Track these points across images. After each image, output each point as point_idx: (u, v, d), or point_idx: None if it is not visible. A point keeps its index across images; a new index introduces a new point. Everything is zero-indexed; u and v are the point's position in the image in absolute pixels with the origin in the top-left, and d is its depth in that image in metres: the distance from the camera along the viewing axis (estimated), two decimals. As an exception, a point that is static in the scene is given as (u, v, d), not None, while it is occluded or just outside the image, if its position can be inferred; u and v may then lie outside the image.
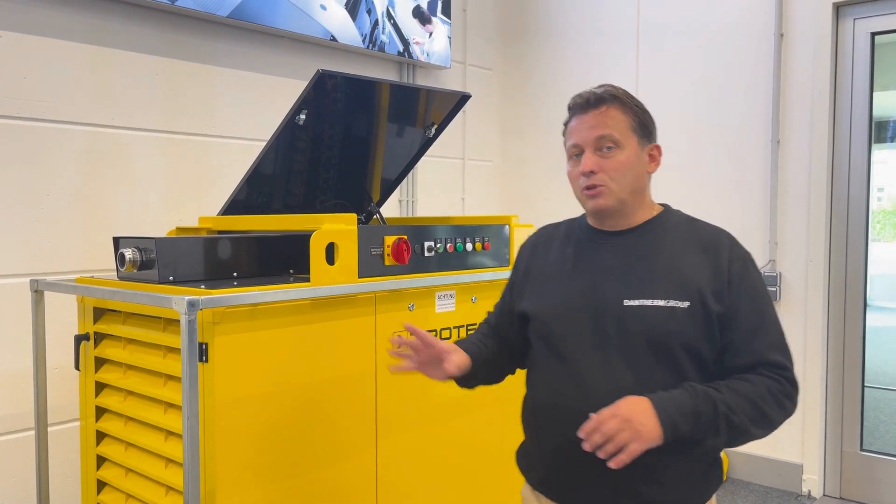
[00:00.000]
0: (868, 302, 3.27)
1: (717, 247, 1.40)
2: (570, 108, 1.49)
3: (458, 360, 1.49)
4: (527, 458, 1.58)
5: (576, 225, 1.57)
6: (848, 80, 3.23)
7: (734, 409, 1.29)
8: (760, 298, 1.38)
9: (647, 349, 1.35)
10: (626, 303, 1.37)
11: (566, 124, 1.50)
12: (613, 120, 1.41)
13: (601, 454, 1.24)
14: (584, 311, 1.42)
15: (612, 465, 1.23)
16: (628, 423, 1.23)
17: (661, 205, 1.52)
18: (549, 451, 1.47)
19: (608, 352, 1.37)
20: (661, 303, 1.35)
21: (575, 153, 1.46)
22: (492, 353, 1.60)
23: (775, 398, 1.32)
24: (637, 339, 1.35)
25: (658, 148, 1.48)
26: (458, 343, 1.55)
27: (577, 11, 4.05)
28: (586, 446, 1.25)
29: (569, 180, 1.49)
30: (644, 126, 1.44)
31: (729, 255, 1.38)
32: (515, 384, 2.54)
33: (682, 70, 3.65)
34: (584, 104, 1.44)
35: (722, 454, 3.79)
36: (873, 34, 3.17)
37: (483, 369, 1.57)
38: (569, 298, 1.45)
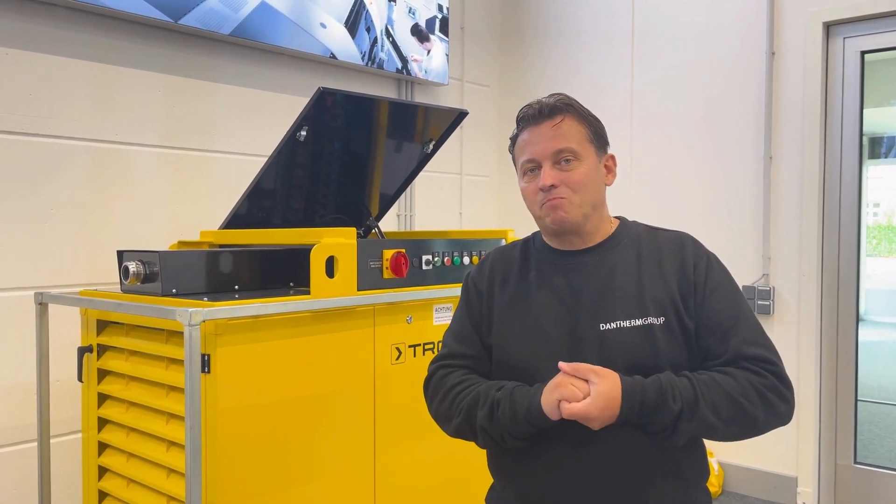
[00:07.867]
0: (863, 317, 3.30)
1: (681, 250, 1.31)
2: (520, 120, 1.37)
3: None
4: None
5: (532, 248, 1.42)
6: (839, 98, 3.29)
7: (707, 401, 1.17)
8: (732, 294, 1.28)
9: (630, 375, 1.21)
10: (603, 327, 1.25)
11: (515, 138, 1.40)
12: (571, 131, 1.30)
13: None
14: (557, 341, 1.27)
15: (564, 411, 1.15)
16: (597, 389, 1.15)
17: (617, 217, 1.41)
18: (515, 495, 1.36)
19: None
20: (638, 322, 1.24)
21: (530, 168, 1.34)
22: None
23: (757, 391, 1.20)
24: (618, 366, 1.21)
25: (613, 158, 1.38)
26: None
27: (573, 31, 4.11)
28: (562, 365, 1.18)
29: (524, 198, 1.36)
30: (599, 136, 1.34)
31: (693, 256, 1.30)
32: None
33: (676, 87, 3.70)
34: (537, 115, 1.32)
35: (718, 467, 3.74)
36: (863, 52, 3.23)
37: None
38: (538, 329, 1.30)
